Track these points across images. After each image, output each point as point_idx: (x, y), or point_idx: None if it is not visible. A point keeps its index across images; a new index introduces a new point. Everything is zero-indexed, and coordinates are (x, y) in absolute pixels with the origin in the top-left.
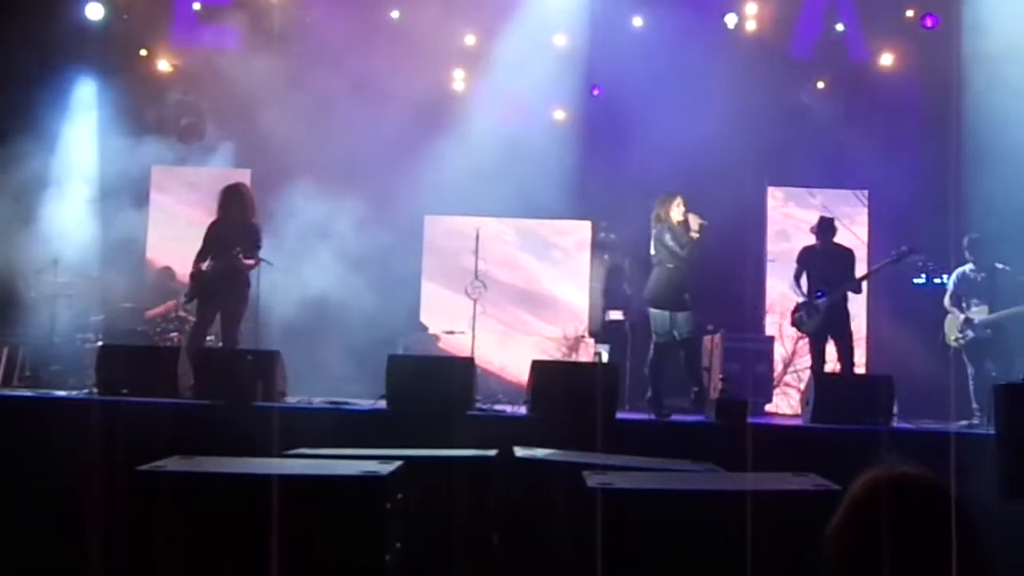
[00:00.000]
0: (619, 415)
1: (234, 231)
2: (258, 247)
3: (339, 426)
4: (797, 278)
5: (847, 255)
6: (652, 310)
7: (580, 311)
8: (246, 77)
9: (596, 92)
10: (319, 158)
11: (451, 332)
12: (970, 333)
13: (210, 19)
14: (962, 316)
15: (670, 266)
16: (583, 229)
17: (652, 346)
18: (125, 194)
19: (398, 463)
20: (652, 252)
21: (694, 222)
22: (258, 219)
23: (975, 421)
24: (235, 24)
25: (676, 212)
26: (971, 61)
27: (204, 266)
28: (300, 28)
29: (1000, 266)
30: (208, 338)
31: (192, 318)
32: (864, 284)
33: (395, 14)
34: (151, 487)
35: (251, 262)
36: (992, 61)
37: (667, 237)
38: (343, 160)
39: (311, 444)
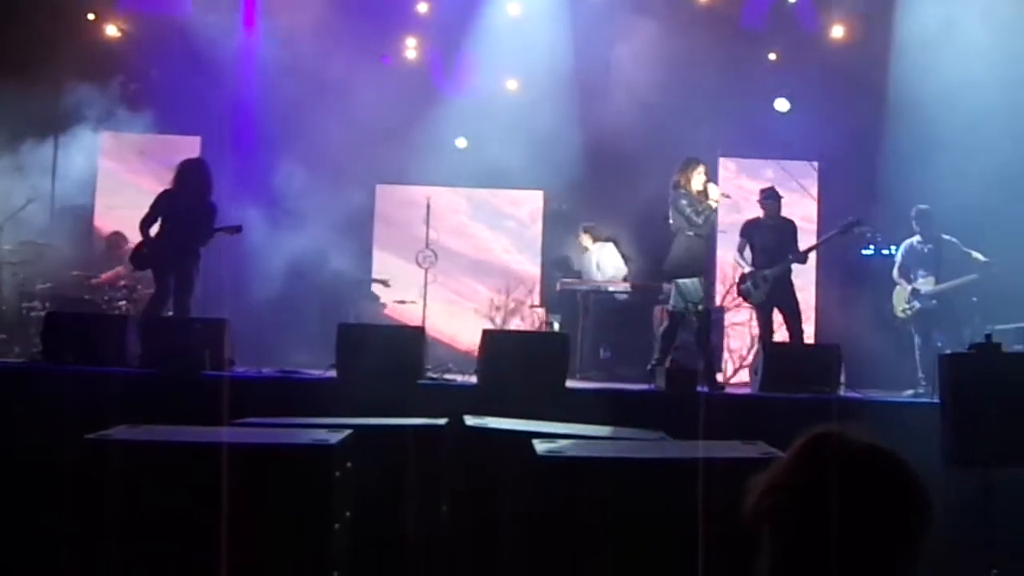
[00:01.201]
0: (569, 384)
1: (189, 206)
2: (213, 226)
3: (288, 395)
4: (741, 251)
5: (790, 227)
6: (682, 280)
7: (532, 280)
8: (196, 44)
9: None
10: (270, 126)
11: (402, 301)
12: (916, 304)
13: None
14: (909, 287)
15: (689, 233)
16: (535, 199)
17: (668, 316)
18: (73, 160)
19: (347, 432)
20: (670, 220)
21: (713, 191)
22: (215, 197)
23: (920, 390)
24: None
25: (697, 180)
26: (908, 40)
27: (155, 236)
28: None
29: (947, 238)
30: None
31: (140, 285)
32: (810, 255)
33: None
34: (99, 456)
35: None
36: (931, 41)
37: (684, 204)
38: (294, 129)
39: (260, 413)
